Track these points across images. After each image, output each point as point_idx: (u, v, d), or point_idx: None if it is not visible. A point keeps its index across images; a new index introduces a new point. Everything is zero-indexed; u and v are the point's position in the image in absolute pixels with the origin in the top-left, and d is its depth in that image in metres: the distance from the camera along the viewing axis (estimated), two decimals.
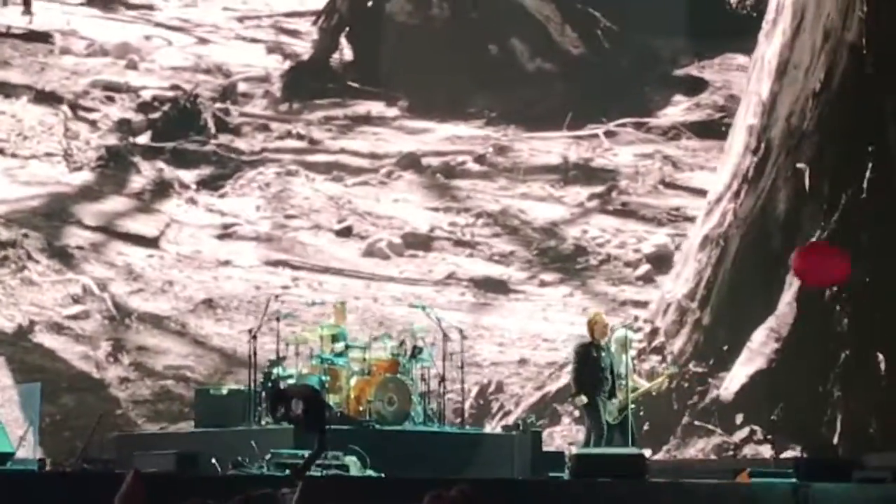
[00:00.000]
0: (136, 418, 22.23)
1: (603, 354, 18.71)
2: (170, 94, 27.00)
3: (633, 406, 18.73)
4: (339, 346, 19.54)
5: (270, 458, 16.44)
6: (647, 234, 26.43)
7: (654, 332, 23.03)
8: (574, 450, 19.41)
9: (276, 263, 25.40)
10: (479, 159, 27.55)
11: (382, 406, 18.85)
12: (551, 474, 18.39)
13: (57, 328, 23.35)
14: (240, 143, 26.93)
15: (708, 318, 22.68)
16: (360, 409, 18.88)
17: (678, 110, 28.38)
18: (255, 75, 28.12)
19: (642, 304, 25.29)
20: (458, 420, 20.46)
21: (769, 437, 21.30)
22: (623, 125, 28.02)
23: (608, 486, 16.19)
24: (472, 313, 24.95)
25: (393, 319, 24.29)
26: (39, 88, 26.06)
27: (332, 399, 18.75)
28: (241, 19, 29.29)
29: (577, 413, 18.90)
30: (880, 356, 21.45)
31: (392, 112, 28.05)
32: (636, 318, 23.61)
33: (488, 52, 28.82)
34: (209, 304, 24.39)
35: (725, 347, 22.25)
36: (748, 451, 21.26)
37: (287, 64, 28.30)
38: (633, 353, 19.31)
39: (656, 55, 28.95)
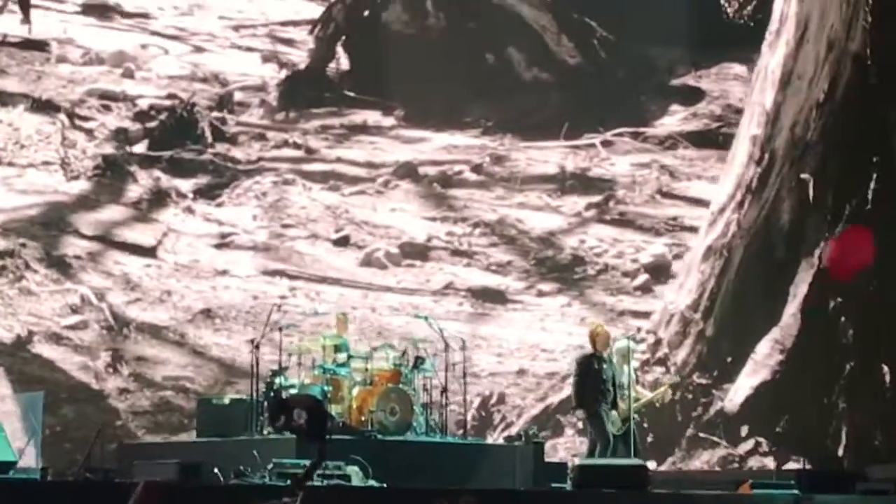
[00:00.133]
0: (135, 430, 22.12)
1: (605, 366, 18.65)
2: (166, 102, 26.91)
3: (636, 417, 18.67)
4: (342, 356, 19.50)
5: (272, 467, 16.38)
6: (645, 244, 26.40)
7: (657, 343, 22.97)
8: (576, 460, 19.34)
9: (274, 273, 25.32)
10: (476, 168, 27.50)
11: (384, 416, 18.83)
12: (553, 485, 18.34)
13: (56, 338, 23.24)
14: (236, 153, 26.85)
15: (711, 330, 22.62)
16: (362, 419, 18.86)
17: (675, 120, 28.37)
18: (252, 84, 28.05)
19: (640, 315, 25.24)
20: (461, 431, 20.38)
21: (774, 449, 21.24)
22: (620, 135, 28.00)
23: (610, 497, 16.10)
24: (469, 323, 24.89)
25: (391, 329, 24.24)
26: (36, 97, 25.96)
27: (334, 409, 18.73)
28: (236, 28, 29.21)
29: (580, 424, 18.85)
30: (885, 368, 21.41)
31: (388, 121, 28.00)
32: (639, 329, 23.54)
33: (485, 62, 28.78)
34: (207, 313, 24.30)
35: (729, 359, 22.18)
36: (753, 463, 21.20)
37: (283, 73, 28.23)
38: (635, 364, 19.24)
39: (653, 65, 28.95)
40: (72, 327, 23.55)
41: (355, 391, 19.16)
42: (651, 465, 21.51)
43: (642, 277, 25.96)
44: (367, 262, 25.99)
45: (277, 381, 19.06)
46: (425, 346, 19.80)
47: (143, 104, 26.80)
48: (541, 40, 29.00)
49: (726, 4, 29.24)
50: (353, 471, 16.76)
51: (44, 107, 25.86)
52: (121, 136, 26.21)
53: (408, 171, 27.25)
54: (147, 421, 22.51)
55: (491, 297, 25.75)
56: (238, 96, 27.74)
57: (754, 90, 23.63)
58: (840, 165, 21.85)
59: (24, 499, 13.80)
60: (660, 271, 26.03)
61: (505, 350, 24.85)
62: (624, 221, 26.78)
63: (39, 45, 26.71)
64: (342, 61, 28.78)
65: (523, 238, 26.50)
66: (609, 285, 25.92)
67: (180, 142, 26.53)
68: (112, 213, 25.32)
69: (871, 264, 20.14)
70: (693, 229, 26.47)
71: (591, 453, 18.67)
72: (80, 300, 23.72)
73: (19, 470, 16.45)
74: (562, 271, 26.14)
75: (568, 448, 21.02)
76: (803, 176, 22.02)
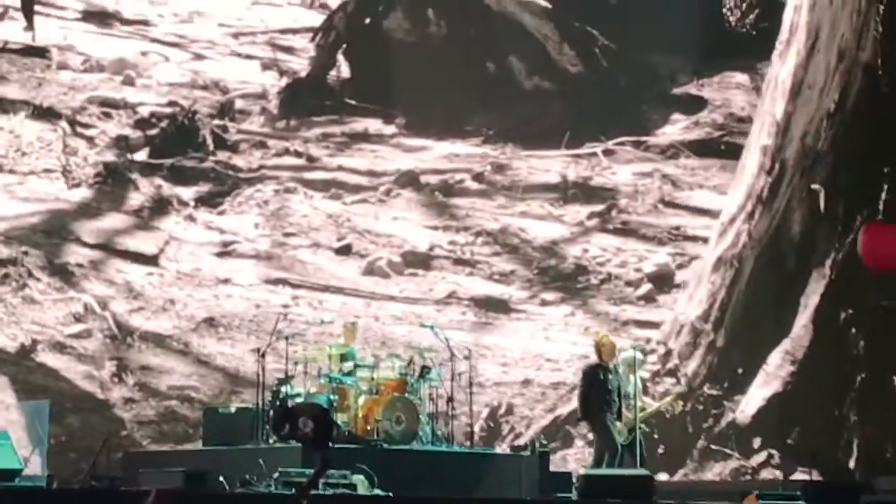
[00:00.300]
0: (141, 439, 21.99)
1: (610, 376, 18.59)
2: (167, 110, 26.80)
3: (645, 428, 18.58)
4: (348, 365, 19.41)
5: (278, 476, 16.30)
6: (648, 254, 26.32)
7: (667, 354, 22.86)
8: (582, 470, 19.26)
9: (276, 282, 25.20)
10: (478, 177, 27.42)
11: (390, 425, 18.79)
12: (559, 495, 18.26)
13: (59, 347, 23.09)
14: (237, 161, 26.74)
15: (722, 340, 22.52)
16: (368, 428, 18.82)
17: (677, 129, 28.31)
18: (252, 92, 27.95)
19: (644, 324, 25.15)
20: (467, 442, 20.28)
21: (786, 461, 21.15)
22: (621, 144, 27.93)
23: None
24: (473, 332, 24.79)
25: (395, 339, 24.12)
26: (37, 104, 25.83)
27: (340, 418, 18.66)
28: (236, 35, 29.11)
29: (590, 435, 18.76)
30: None
31: (389, 129, 27.91)
32: (648, 340, 23.44)
33: (486, 70, 28.71)
34: (210, 322, 24.17)
35: (740, 370, 22.08)
36: (766, 475, 21.10)
37: (283, 80, 28.13)
38: (645, 374, 19.18)
39: (655, 73, 28.90)
40: (75, 336, 23.40)
41: (361, 400, 19.08)
42: (663, 476, 21.44)
43: (646, 287, 25.88)
44: (370, 270, 25.88)
45: (283, 389, 18.96)
46: (431, 355, 19.70)
47: (143, 112, 26.68)
48: (542, 49, 28.94)
49: (729, 13, 29.21)
50: (359, 480, 16.72)
51: (45, 114, 25.73)
52: (122, 143, 26.09)
53: (409, 179, 27.15)
54: (152, 430, 22.38)
55: (494, 306, 25.65)
56: (239, 104, 27.63)
57: (764, 100, 23.55)
58: (851, 176, 21.77)
59: None
60: (663, 281, 25.95)
61: (509, 360, 24.75)
62: (626, 231, 26.69)
63: (40, 52, 26.60)
64: (343, 69, 28.70)
65: (526, 247, 26.41)
66: (612, 295, 25.84)
67: (181, 149, 26.40)
68: (114, 220, 25.19)
69: None
70: (696, 239, 26.40)
71: (597, 463, 18.58)
72: (84, 309, 23.58)
73: (25, 478, 16.37)
74: (565, 280, 26.04)
75: (578, 459, 20.91)
76: (814, 186, 21.94)
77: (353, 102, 28.13)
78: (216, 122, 27.01)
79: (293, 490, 15.20)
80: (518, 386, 24.36)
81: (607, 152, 27.77)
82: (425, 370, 19.43)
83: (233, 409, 19.50)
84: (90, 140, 25.89)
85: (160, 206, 25.59)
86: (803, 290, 21.79)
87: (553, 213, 26.98)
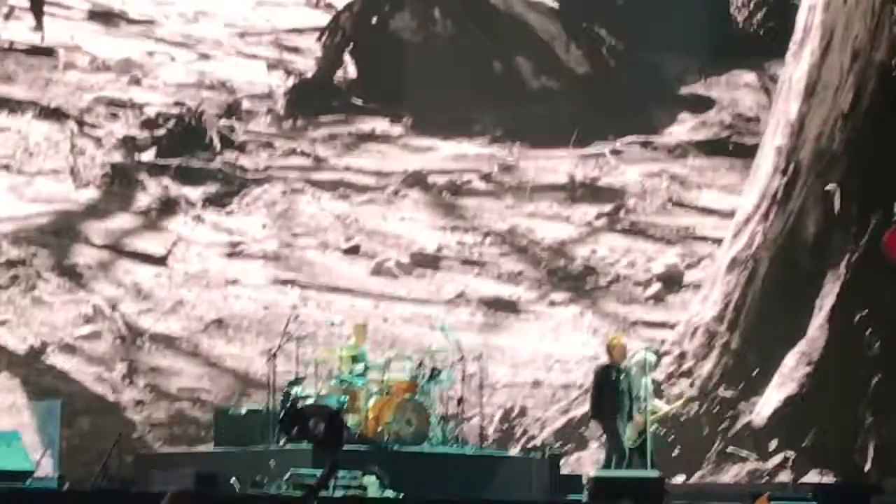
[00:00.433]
0: (152, 441, 21.89)
1: (622, 377, 18.46)
2: (174, 110, 26.73)
3: (662, 430, 18.50)
4: (359, 366, 19.31)
5: (289, 477, 16.23)
6: (657, 254, 26.24)
7: (682, 356, 22.74)
8: (592, 472, 19.17)
9: (285, 282, 25.11)
10: (485, 177, 27.35)
11: (401, 427, 18.64)
12: (570, 497, 18.19)
13: (69, 349, 22.98)
14: (245, 161, 26.66)
15: (737, 342, 22.38)
16: (379, 429, 18.67)
17: (684, 129, 28.27)
18: (259, 92, 27.89)
19: (653, 325, 25.06)
20: (479, 444, 20.19)
21: (803, 463, 21.05)
22: (629, 144, 27.86)
23: None
24: (482, 333, 24.69)
25: (404, 340, 24.02)
26: (44, 104, 25.75)
27: (350, 420, 18.55)
28: (242, 35, 29.06)
29: (604, 437, 18.69)
30: None
31: (396, 130, 27.85)
32: (663, 342, 23.34)
33: (493, 70, 28.67)
34: (220, 324, 24.08)
35: (755, 372, 21.96)
36: (783, 477, 21.00)
37: (289, 81, 28.07)
38: (660, 376, 19.09)
39: (661, 73, 28.85)
40: (85, 337, 23.31)
41: (372, 402, 18.96)
42: (680, 478, 21.36)
43: (655, 287, 25.80)
44: (378, 271, 25.79)
45: (294, 391, 18.86)
46: (441, 357, 19.61)
47: (150, 112, 26.61)
48: (549, 49, 28.89)
49: (736, 12, 29.16)
50: (370, 481, 16.63)
51: (52, 114, 25.66)
52: (129, 144, 26.00)
53: (417, 179, 27.07)
54: (163, 433, 22.28)
55: (503, 307, 25.56)
56: (246, 104, 27.56)
57: (778, 100, 23.44)
58: (865, 176, 21.64)
59: None
60: (672, 281, 25.87)
61: (519, 361, 24.66)
62: (635, 231, 26.62)
63: (47, 52, 26.51)
64: (350, 69, 28.64)
65: (534, 248, 26.33)
66: (621, 295, 25.76)
67: (189, 150, 26.32)
68: (121, 221, 25.12)
69: None
70: (705, 239, 26.33)
71: (607, 465, 18.50)
72: (93, 310, 23.48)
73: (36, 479, 16.29)
74: (574, 281, 25.96)
75: (594, 461, 20.81)
76: (829, 187, 21.81)
77: (359, 103, 28.08)
78: (223, 122, 26.93)
79: (303, 491, 15.13)
80: (528, 387, 24.27)
81: (615, 152, 27.71)
82: (436, 372, 19.31)
83: (243, 411, 19.40)
84: (97, 140, 25.82)
85: (168, 206, 25.51)
86: (818, 292, 21.66)
87: (561, 214, 26.91)
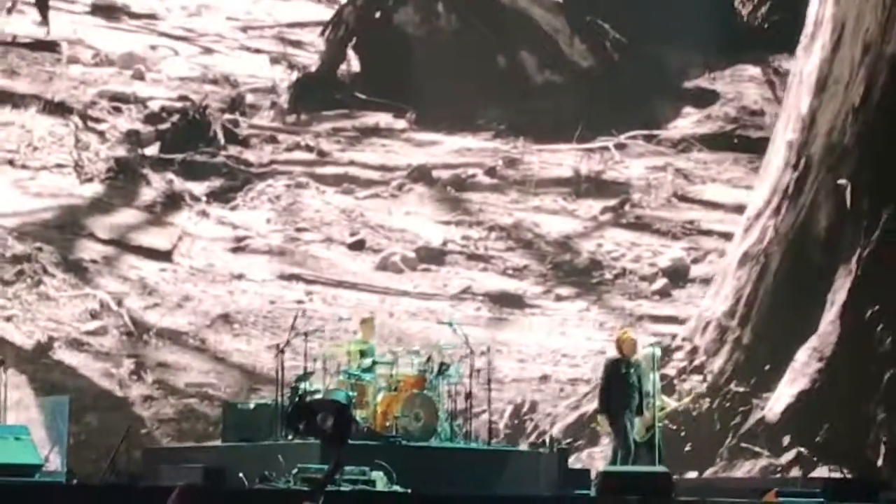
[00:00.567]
0: (160, 437, 21.79)
1: (631, 371, 18.38)
2: (178, 104, 26.63)
3: (673, 426, 18.45)
4: (367, 361, 19.23)
5: (297, 472, 16.13)
6: (663, 248, 26.18)
7: (693, 351, 22.64)
8: (600, 467, 19.13)
9: (290, 277, 25.01)
10: (490, 172, 27.28)
11: (409, 422, 18.56)
12: (577, 491, 18.09)
13: (76, 344, 22.87)
14: (249, 155, 26.57)
15: (748, 337, 22.27)
16: (387, 424, 18.59)
17: (688, 122, 28.22)
18: (262, 86, 27.80)
19: (659, 319, 25.00)
20: (489, 439, 20.11)
21: (815, 458, 20.98)
22: (633, 137, 27.79)
23: None
24: (488, 328, 24.61)
25: (410, 335, 23.93)
26: (48, 98, 25.62)
27: (358, 414, 18.46)
28: (244, 29, 28.99)
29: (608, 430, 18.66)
30: None
31: (400, 124, 27.77)
32: (674, 337, 23.25)
33: (497, 64, 28.59)
34: (226, 318, 23.98)
35: (767, 367, 21.86)
36: (796, 473, 20.89)
37: (294, 75, 27.98)
38: (671, 371, 19.03)
39: (666, 67, 28.77)
40: (92, 333, 23.20)
41: (380, 397, 18.87)
42: (692, 474, 21.30)
43: (661, 282, 25.73)
44: (384, 266, 25.69)
45: (302, 386, 18.78)
46: (449, 351, 19.52)
47: (154, 106, 26.51)
48: (553, 43, 28.81)
49: (740, 6, 29.10)
50: (378, 476, 16.56)
51: (56, 109, 25.53)
52: (132, 138, 25.90)
53: (421, 174, 26.99)
54: (172, 429, 22.18)
55: (509, 301, 25.48)
56: (249, 98, 27.48)
57: (789, 95, 23.35)
58: (877, 171, 21.55)
59: (50, 502, 13.63)
60: (678, 276, 25.81)
61: (526, 355, 24.58)
62: (640, 225, 26.56)
63: (50, 46, 26.40)
64: (353, 63, 28.56)
65: (539, 242, 26.25)
66: (627, 290, 25.69)
67: (193, 144, 26.22)
68: (126, 216, 25.01)
69: None
70: (710, 233, 26.29)
71: (614, 460, 18.44)
72: (99, 305, 23.37)
73: (45, 473, 16.22)
74: (579, 275, 25.89)
75: (605, 456, 20.72)
76: (840, 181, 21.72)
77: (363, 97, 27.98)
78: (227, 116, 26.84)
79: (311, 486, 15.02)
80: (536, 382, 24.19)
81: (619, 146, 27.64)
82: (444, 367, 19.23)
83: (252, 405, 19.32)
84: (101, 135, 25.71)
85: (172, 201, 25.40)
86: (830, 286, 21.57)
87: (566, 208, 26.84)
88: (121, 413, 21.75)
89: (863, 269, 21.51)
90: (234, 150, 26.53)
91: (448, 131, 27.76)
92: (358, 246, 25.92)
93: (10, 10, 26.40)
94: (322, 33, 28.65)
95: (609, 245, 26.30)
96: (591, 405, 21.01)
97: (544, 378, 24.27)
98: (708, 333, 22.65)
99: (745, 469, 21.44)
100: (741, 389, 21.87)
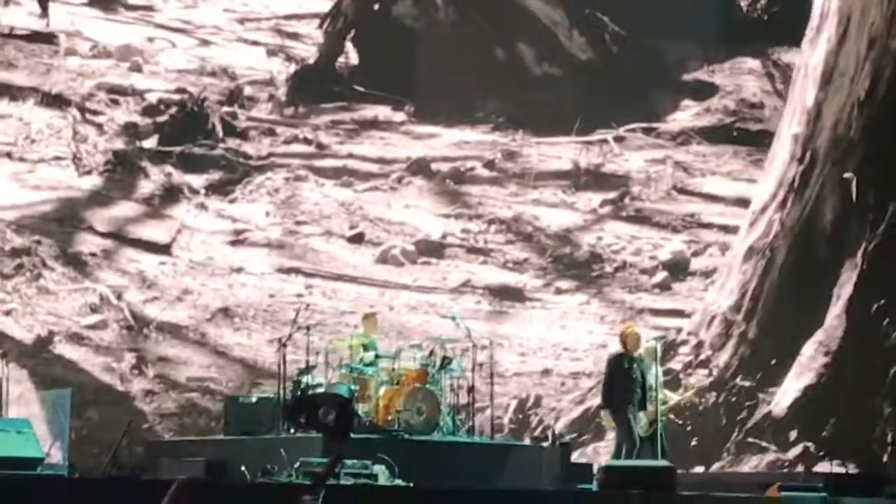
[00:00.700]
0: (162, 432, 21.68)
1: (635, 366, 18.31)
2: (175, 97, 26.50)
3: (679, 421, 18.37)
4: (369, 355, 19.14)
5: (299, 466, 16.06)
6: (663, 241, 26.11)
7: (698, 346, 22.55)
8: (603, 461, 19.06)
9: (289, 271, 24.90)
10: (489, 165, 27.19)
11: (411, 416, 18.46)
12: (580, 486, 18.02)
13: (77, 339, 22.76)
14: (247, 148, 26.46)
15: (754, 331, 22.18)
16: (389, 418, 18.49)
17: (687, 115, 28.16)
18: (260, 79, 27.69)
19: (660, 312, 24.93)
20: (490, 432, 20.05)
21: (822, 453, 20.91)
22: (632, 130, 27.73)
23: (637, 499, 15.80)
24: (489, 322, 24.51)
25: (410, 328, 23.83)
26: (46, 91, 25.49)
27: (361, 408, 18.36)
28: (241, 21, 28.89)
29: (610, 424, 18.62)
30: None
31: (399, 116, 27.68)
32: (679, 331, 23.16)
33: (495, 57, 28.50)
34: (226, 312, 23.86)
35: (773, 361, 21.78)
36: (803, 468, 20.84)
37: (290, 67, 27.87)
38: (677, 366, 18.96)
39: (665, 60, 28.70)
40: (92, 327, 23.07)
41: (382, 390, 18.79)
42: (699, 469, 21.23)
43: (661, 275, 25.66)
44: (383, 259, 25.59)
45: (304, 380, 18.69)
46: (451, 345, 19.44)
47: (151, 98, 26.38)
48: (552, 35, 28.73)
49: None
50: (380, 470, 16.48)
51: (54, 101, 25.39)
52: (130, 130, 25.77)
53: (420, 167, 26.88)
54: (174, 423, 22.07)
55: (509, 295, 25.39)
56: (247, 91, 27.36)
57: (794, 88, 23.27)
58: (882, 164, 21.48)
59: (52, 495, 13.51)
60: (679, 269, 25.74)
61: (527, 349, 24.49)
62: (640, 218, 26.49)
63: (47, 38, 26.27)
64: (351, 56, 28.45)
65: (539, 235, 26.18)
66: (627, 283, 25.62)
67: (191, 137, 26.11)
68: (125, 209, 24.89)
69: None
70: (710, 226, 26.24)
71: (617, 454, 18.36)
72: (99, 299, 23.24)
73: (46, 466, 16.13)
74: (579, 269, 25.81)
75: (610, 452, 20.65)
76: (846, 175, 21.64)
77: (361, 89, 27.88)
78: (225, 109, 26.72)
79: (313, 479, 14.96)
80: (538, 376, 24.11)
81: (618, 139, 27.57)
82: (446, 361, 19.15)
83: (254, 399, 19.22)
84: (99, 127, 25.58)
85: (171, 194, 25.28)
86: (836, 280, 21.50)
87: (566, 201, 26.76)
88: (122, 408, 21.65)
89: (868, 262, 21.43)
90: (232, 142, 26.42)
91: (447, 124, 27.67)
92: (357, 239, 25.83)
93: (6, 2, 26.27)
94: (320, 25, 28.55)
95: (609, 238, 26.23)
96: (596, 400, 20.90)
97: (546, 372, 24.19)
98: (713, 328, 22.55)
99: (752, 464, 21.36)
100: (747, 384, 21.78)
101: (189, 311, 23.71)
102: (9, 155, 24.72)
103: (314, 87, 27.79)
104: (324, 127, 27.19)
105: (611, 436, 19.34)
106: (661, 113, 28.22)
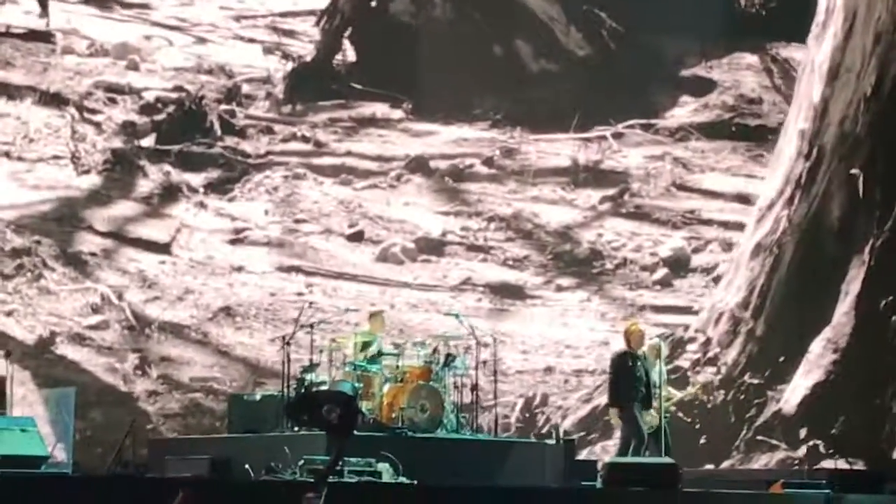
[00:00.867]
0: (166, 432, 21.58)
1: (639, 364, 18.28)
2: (173, 95, 26.39)
3: (687, 419, 18.33)
4: (373, 349, 19.08)
5: (303, 463, 15.98)
6: (663, 238, 26.06)
7: (706, 343, 22.48)
8: (607, 458, 19.01)
9: (290, 269, 24.81)
10: (487, 162, 27.12)
11: (415, 413, 18.41)
12: (584, 483, 17.97)
13: (79, 339, 22.64)
14: (246, 146, 26.36)
15: (762, 329, 22.12)
16: (393, 416, 18.43)
17: (686, 111, 28.12)
18: (257, 77, 27.60)
19: (661, 309, 24.88)
20: (494, 430, 19.98)
21: (831, 451, 20.87)
22: (631, 127, 27.68)
23: (640, 496, 15.78)
24: (490, 319, 24.42)
25: (411, 326, 23.75)
26: (43, 89, 25.37)
27: (364, 406, 18.29)
28: (237, 18, 28.79)
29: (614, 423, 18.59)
30: None
31: (397, 114, 27.60)
32: (686, 328, 23.09)
33: (493, 54, 28.43)
34: (227, 311, 23.77)
35: (781, 359, 21.72)
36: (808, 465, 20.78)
37: (289, 65, 27.78)
38: (685, 363, 18.91)
39: (663, 56, 28.66)
40: (94, 327, 22.96)
41: (386, 388, 18.72)
42: (709, 467, 21.18)
43: (662, 272, 25.61)
44: (383, 257, 25.51)
45: (308, 377, 18.62)
46: (455, 343, 19.38)
47: (149, 97, 26.27)
48: (549, 31, 28.67)
49: None
50: (384, 467, 16.41)
51: (52, 100, 25.27)
52: (128, 129, 25.66)
53: (419, 164, 26.81)
54: (178, 424, 21.98)
55: (510, 292, 25.33)
56: (245, 89, 27.26)
57: (801, 84, 23.21)
58: (889, 160, 21.42)
59: (56, 493, 13.42)
60: (679, 265, 25.69)
61: (529, 347, 24.42)
62: (640, 214, 26.44)
63: (44, 37, 26.14)
64: (349, 53, 28.36)
65: (539, 232, 26.11)
66: (628, 279, 25.57)
67: (189, 135, 26.00)
68: (124, 208, 24.78)
69: None
70: (710, 222, 26.19)
71: (623, 451, 18.32)
72: (101, 299, 23.13)
73: (51, 464, 16.05)
74: (580, 266, 25.76)
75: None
76: (853, 171, 21.58)
77: (359, 87, 27.78)
78: (223, 107, 26.62)
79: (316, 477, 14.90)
80: (541, 374, 24.04)
81: (617, 135, 27.51)
82: (450, 358, 19.09)
83: (258, 397, 19.14)
84: (97, 126, 25.47)
85: (170, 192, 25.18)
86: (844, 277, 21.43)
87: (565, 198, 26.70)
88: (125, 408, 21.55)
89: (876, 259, 21.38)
90: (230, 140, 26.32)
91: (445, 121, 27.60)
92: (357, 237, 25.74)
93: (2, 1, 26.15)
94: (317, 23, 28.46)
95: (609, 235, 26.17)
96: (603, 398, 20.81)
97: (549, 370, 24.13)
98: (721, 325, 22.48)
99: (762, 462, 21.31)
100: (755, 381, 21.72)
101: (190, 311, 23.61)
102: (7, 154, 24.60)
103: (312, 84, 27.70)
104: (322, 125, 27.10)
105: (619, 434, 19.31)
106: (660, 109, 28.17)
